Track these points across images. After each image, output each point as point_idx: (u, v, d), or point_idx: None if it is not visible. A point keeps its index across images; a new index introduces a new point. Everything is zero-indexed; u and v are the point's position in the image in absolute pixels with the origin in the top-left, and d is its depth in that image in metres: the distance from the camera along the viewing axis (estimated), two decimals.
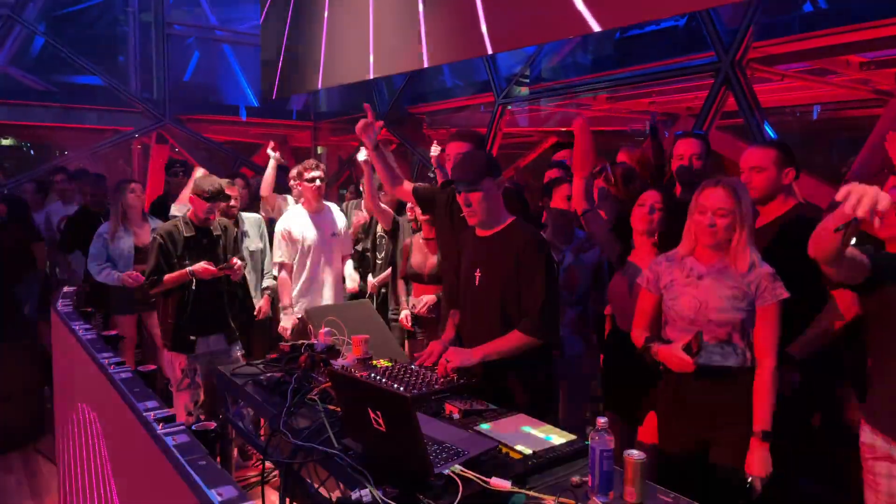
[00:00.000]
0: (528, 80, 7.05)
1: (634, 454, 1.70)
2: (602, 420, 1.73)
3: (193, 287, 3.73)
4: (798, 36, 4.54)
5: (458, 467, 1.67)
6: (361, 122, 3.11)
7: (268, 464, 2.41)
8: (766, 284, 2.20)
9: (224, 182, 4.00)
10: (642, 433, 2.79)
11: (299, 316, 4.25)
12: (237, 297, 4.10)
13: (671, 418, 2.40)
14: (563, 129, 8.18)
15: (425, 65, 5.09)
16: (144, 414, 1.50)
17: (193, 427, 1.47)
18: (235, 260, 3.80)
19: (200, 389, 3.82)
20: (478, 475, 1.64)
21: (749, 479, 2.15)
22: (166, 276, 3.70)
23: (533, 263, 2.45)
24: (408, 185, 3.30)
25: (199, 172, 4.69)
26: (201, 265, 3.69)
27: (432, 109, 8.93)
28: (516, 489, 1.62)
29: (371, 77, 5.82)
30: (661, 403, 2.46)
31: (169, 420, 1.47)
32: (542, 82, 7.01)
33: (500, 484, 1.62)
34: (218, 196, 3.74)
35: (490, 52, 4.51)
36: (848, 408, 2.79)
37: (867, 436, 2.11)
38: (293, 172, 4.97)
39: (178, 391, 3.79)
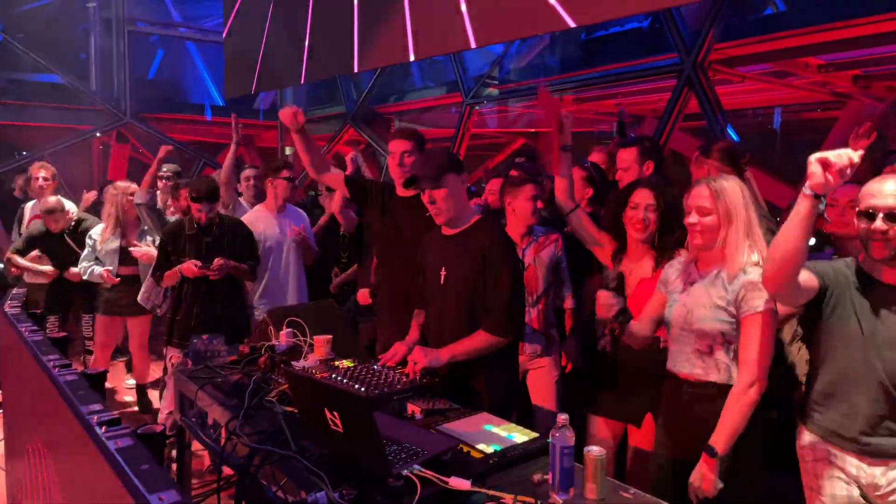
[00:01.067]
0: (496, 81, 7.06)
1: (594, 451, 1.69)
2: (562, 417, 1.71)
3: (186, 285, 3.85)
4: (758, 38, 4.62)
5: (417, 467, 1.64)
6: (289, 110, 3.16)
7: (227, 469, 2.34)
8: (744, 294, 2.07)
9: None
10: (635, 437, 2.74)
11: (260, 318, 4.17)
12: (236, 297, 4.06)
13: (663, 428, 2.33)
14: (531, 131, 8.22)
15: (411, 58, 5.08)
16: (87, 417, 1.43)
17: (139, 431, 1.41)
18: (219, 260, 3.77)
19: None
20: (437, 475, 1.61)
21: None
22: (166, 273, 3.85)
23: (499, 261, 2.43)
24: (336, 172, 3.32)
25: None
26: (186, 263, 3.76)
27: (401, 109, 8.89)
28: (476, 488, 1.59)
29: (356, 71, 5.75)
30: (659, 412, 2.39)
31: (113, 423, 1.41)
32: (510, 83, 7.03)
33: (460, 483, 1.59)
34: (205, 197, 3.77)
35: (474, 46, 4.52)
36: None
37: (804, 438, 2.12)
38: (247, 172, 4.89)
39: (170, 382, 3.77)
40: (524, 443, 1.95)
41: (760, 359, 2.03)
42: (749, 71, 5.16)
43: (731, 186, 2.14)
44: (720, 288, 2.13)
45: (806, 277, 1.94)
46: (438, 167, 2.44)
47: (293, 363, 2.71)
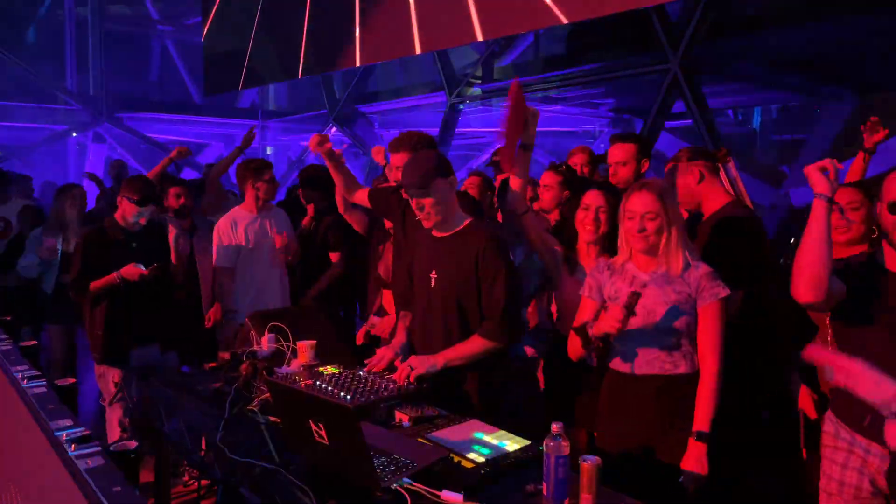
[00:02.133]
0: (479, 80, 7.01)
1: (590, 460, 1.63)
2: (557, 425, 1.66)
3: (123, 293, 3.45)
4: (746, 37, 4.60)
5: (406, 481, 1.57)
6: (317, 138, 3.10)
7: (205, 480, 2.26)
8: (704, 284, 2.18)
9: None
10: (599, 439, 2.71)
11: (241, 322, 4.06)
12: (174, 301, 3.88)
13: (610, 418, 2.34)
14: None
15: (417, 51, 5.03)
16: (56, 434, 1.34)
17: (112, 448, 1.33)
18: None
19: (134, 404, 3.58)
20: (427, 489, 1.54)
21: (681, 478, 2.12)
22: (93, 283, 3.41)
23: (493, 265, 2.38)
24: (361, 190, 3.23)
25: None
26: (128, 267, 3.39)
27: (384, 109, 8.80)
28: (469, 502, 1.53)
29: (358, 65, 5.65)
30: (601, 402, 2.38)
31: (84, 441, 1.32)
32: (495, 82, 6.98)
33: (451, 498, 1.53)
34: (149, 200, 3.49)
35: (480, 38, 4.50)
36: (797, 399, 2.79)
37: (831, 425, 2.11)
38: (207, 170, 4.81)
39: (111, 406, 3.56)
40: (516, 451, 1.89)
41: (722, 344, 2.18)
42: (735, 69, 5.16)
43: (669, 189, 2.24)
44: (675, 283, 2.20)
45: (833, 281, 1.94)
46: (424, 174, 2.37)
47: (276, 369, 2.63)
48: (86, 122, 9.60)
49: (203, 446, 2.44)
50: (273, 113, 11.06)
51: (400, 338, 2.68)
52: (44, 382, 1.73)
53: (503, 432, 2.04)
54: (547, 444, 1.64)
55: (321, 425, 1.55)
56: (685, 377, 2.21)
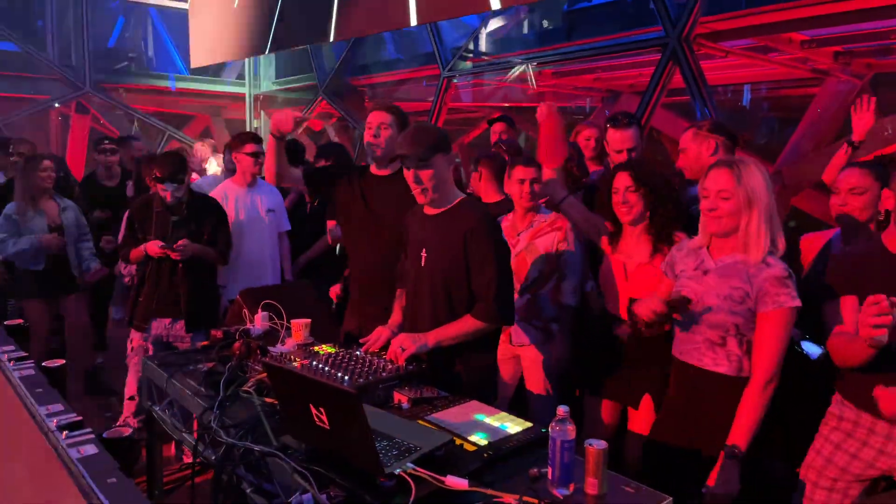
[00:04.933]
0: (471, 54, 6.87)
1: (595, 443, 1.60)
2: (563, 409, 1.62)
3: (150, 265, 3.66)
4: (744, 12, 4.52)
5: (410, 466, 1.53)
6: (284, 114, 2.84)
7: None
8: (768, 288, 1.96)
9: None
10: (634, 421, 2.69)
11: (231, 299, 3.99)
12: (203, 281, 3.83)
13: (666, 413, 2.26)
14: (507, 105, 8.06)
15: (413, 23, 4.79)
16: (47, 421, 1.29)
17: (105, 435, 1.27)
18: (182, 241, 3.56)
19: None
20: (432, 474, 1.50)
21: (703, 489, 1.99)
22: (133, 251, 3.67)
23: (483, 246, 2.32)
24: (293, 172, 3.08)
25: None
26: (150, 242, 3.59)
27: (375, 82, 8.64)
28: (475, 488, 1.49)
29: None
30: (662, 397, 2.33)
31: (75, 427, 1.27)
32: (488, 55, 6.85)
33: (457, 483, 1.49)
34: (168, 177, 3.55)
35: (498, 6, 4.27)
36: None
37: (837, 406, 2.07)
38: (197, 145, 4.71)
39: (131, 366, 3.74)
40: (518, 434, 1.86)
41: (779, 357, 1.97)
42: (733, 45, 5.08)
43: (753, 170, 2.02)
44: (738, 279, 2.03)
45: None
46: (427, 146, 2.30)
47: (270, 349, 2.58)
48: (68, 93, 9.36)
49: (195, 427, 2.39)
50: (262, 84, 10.84)
51: (396, 317, 2.64)
52: (31, 364, 1.66)
53: (504, 413, 2.01)
54: (552, 428, 1.61)
55: (322, 409, 1.50)
56: (723, 378, 2.05)
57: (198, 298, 3.74)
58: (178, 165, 3.61)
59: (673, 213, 2.63)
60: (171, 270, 3.65)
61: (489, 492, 1.49)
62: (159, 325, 3.70)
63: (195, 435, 2.08)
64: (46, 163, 4.29)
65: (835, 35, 4.97)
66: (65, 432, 1.24)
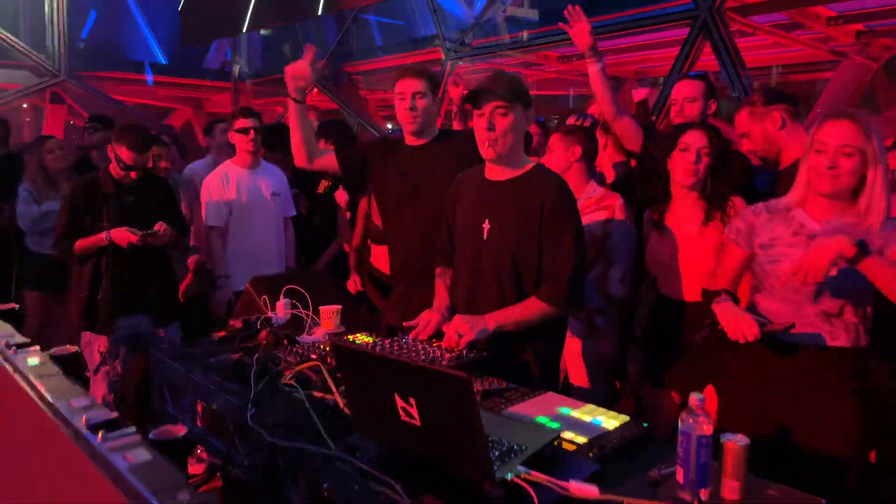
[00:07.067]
0: (477, 37, 6.59)
1: (736, 439, 1.33)
2: (697, 397, 1.34)
3: (111, 255, 3.16)
4: None
5: (521, 469, 1.24)
6: (298, 64, 2.49)
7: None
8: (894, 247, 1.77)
9: None
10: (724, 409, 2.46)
11: (238, 289, 3.65)
12: (169, 270, 3.48)
13: (739, 394, 2.04)
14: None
15: None
16: (73, 418, 0.97)
17: (152, 436, 0.96)
18: (161, 225, 3.16)
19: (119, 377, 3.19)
20: (552, 479, 1.21)
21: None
22: (79, 241, 3.13)
23: (562, 219, 2.04)
24: (325, 152, 2.75)
25: None
26: (120, 230, 3.09)
27: (372, 68, 8.27)
28: (607, 495, 1.20)
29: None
30: (726, 378, 2.11)
31: (111, 426, 0.95)
32: (494, 37, 6.56)
33: (584, 489, 1.20)
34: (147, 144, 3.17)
35: None
36: None
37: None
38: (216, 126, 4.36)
39: (95, 377, 3.16)
40: (619, 429, 1.58)
41: None
42: (762, 21, 4.87)
43: (874, 123, 1.79)
44: (855, 238, 1.77)
45: None
46: (513, 90, 2.00)
47: (297, 338, 2.27)
48: (42, 81, 8.87)
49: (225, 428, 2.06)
50: (246, 74, 10.41)
51: (443, 299, 2.31)
52: (37, 351, 1.33)
53: (591, 406, 1.73)
54: (684, 421, 1.33)
55: (412, 401, 1.20)
56: (845, 351, 1.88)
57: (166, 291, 3.40)
58: (147, 134, 3.26)
59: (737, 175, 2.40)
60: (133, 261, 3.19)
61: (627, 500, 1.20)
62: (130, 324, 3.27)
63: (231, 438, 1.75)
64: (50, 143, 4.04)
65: (860, 11, 4.79)
66: (101, 432, 0.92)
